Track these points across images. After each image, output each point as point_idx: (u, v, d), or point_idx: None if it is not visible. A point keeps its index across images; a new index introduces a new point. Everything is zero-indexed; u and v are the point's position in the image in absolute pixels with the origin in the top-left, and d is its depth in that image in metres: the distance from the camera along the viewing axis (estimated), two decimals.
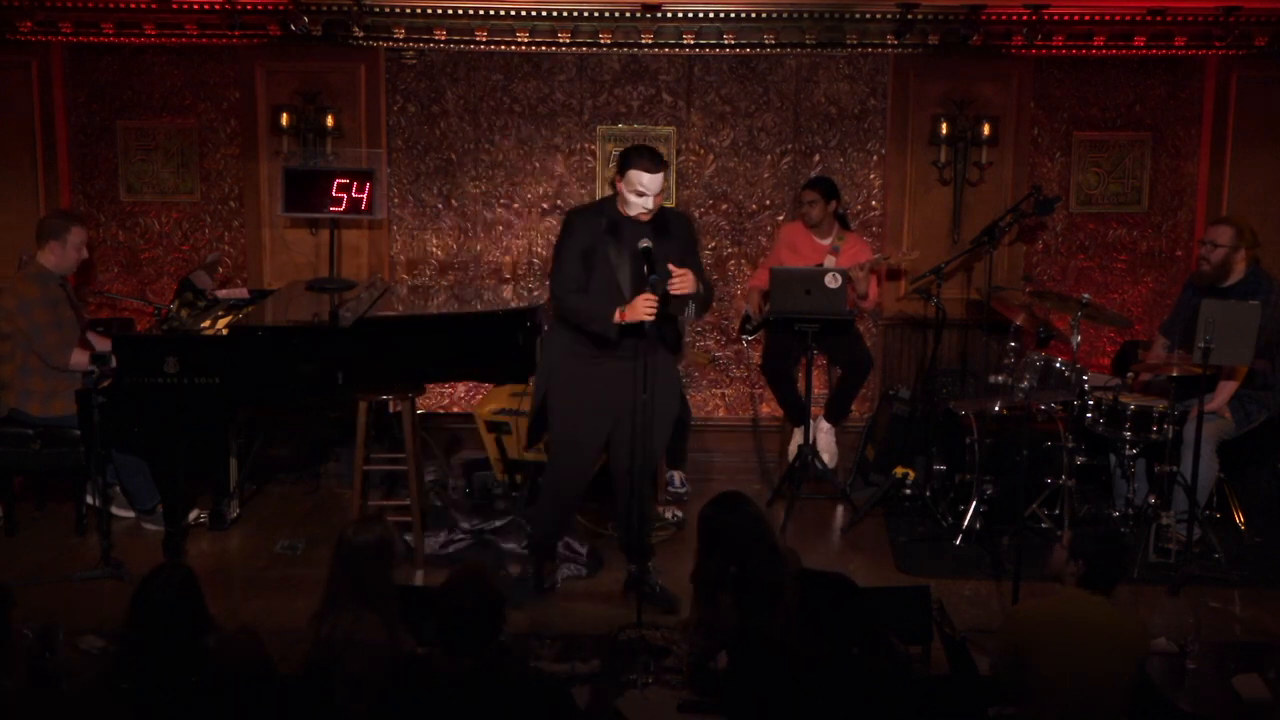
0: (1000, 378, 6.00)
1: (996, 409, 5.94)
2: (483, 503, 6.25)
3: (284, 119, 7.26)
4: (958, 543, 5.89)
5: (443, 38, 7.23)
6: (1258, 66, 7.22)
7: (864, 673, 3.55)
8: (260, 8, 6.99)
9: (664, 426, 5.17)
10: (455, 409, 7.57)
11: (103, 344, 5.73)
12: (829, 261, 6.58)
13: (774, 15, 7.10)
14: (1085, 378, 5.89)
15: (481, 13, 7.09)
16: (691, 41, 7.22)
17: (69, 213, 6.62)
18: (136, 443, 5.57)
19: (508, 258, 7.58)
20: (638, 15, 7.09)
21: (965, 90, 7.33)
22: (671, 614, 5.00)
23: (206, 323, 5.99)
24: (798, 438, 6.53)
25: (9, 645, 3.68)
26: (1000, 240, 6.50)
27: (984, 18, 6.93)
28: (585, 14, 7.09)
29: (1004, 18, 6.98)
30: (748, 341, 7.25)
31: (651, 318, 4.74)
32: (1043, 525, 5.86)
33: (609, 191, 7.30)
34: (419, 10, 7.08)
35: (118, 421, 5.41)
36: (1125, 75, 7.40)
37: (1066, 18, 7.01)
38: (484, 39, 7.22)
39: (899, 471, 6.38)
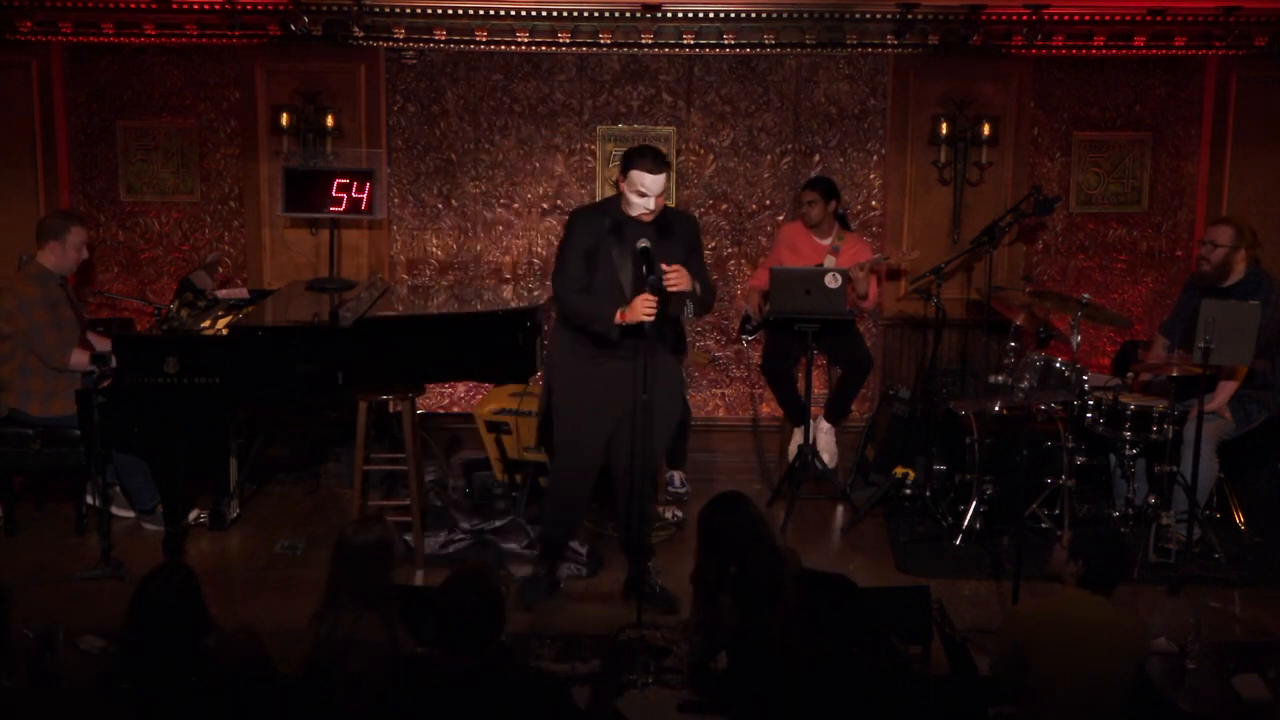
0: (1000, 378, 6.00)
1: (996, 409, 5.94)
2: (483, 503, 6.25)
3: (284, 119, 7.26)
4: (958, 543, 5.89)
5: (443, 38, 7.23)
6: (1258, 66, 7.22)
7: (864, 673, 3.54)
8: (260, 8, 6.99)
9: (665, 427, 5.17)
10: (455, 409, 7.57)
11: (103, 344, 5.73)
12: (829, 261, 6.58)
13: (774, 15, 7.10)
14: (1085, 378, 5.89)
15: (481, 13, 7.09)
16: (691, 41, 7.22)
17: (69, 213, 6.61)
18: (136, 443, 5.57)
19: (508, 258, 7.58)
20: (638, 15, 7.09)
21: (965, 90, 7.33)
22: (671, 614, 5.00)
23: (206, 323, 5.99)
24: (798, 438, 6.53)
25: (9, 645, 3.68)
26: (1000, 240, 6.50)
27: (984, 18, 6.94)
28: (585, 14, 7.09)
29: (1004, 18, 6.98)
30: (748, 341, 7.25)
31: (651, 318, 4.74)
32: (1043, 525, 5.86)
33: (609, 191, 7.36)
34: (419, 10, 7.09)
35: (118, 421, 5.41)
36: (1125, 75, 7.41)
37: (1066, 18, 7.01)
38: (484, 39, 7.22)
39: (899, 471, 6.38)
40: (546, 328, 6.36)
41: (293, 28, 7.00)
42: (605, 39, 7.22)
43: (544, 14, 7.09)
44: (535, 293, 7.46)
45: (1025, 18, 6.92)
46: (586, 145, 7.49)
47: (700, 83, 7.43)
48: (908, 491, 6.34)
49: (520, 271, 7.57)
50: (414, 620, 3.97)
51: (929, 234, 7.40)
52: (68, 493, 6.03)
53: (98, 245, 7.34)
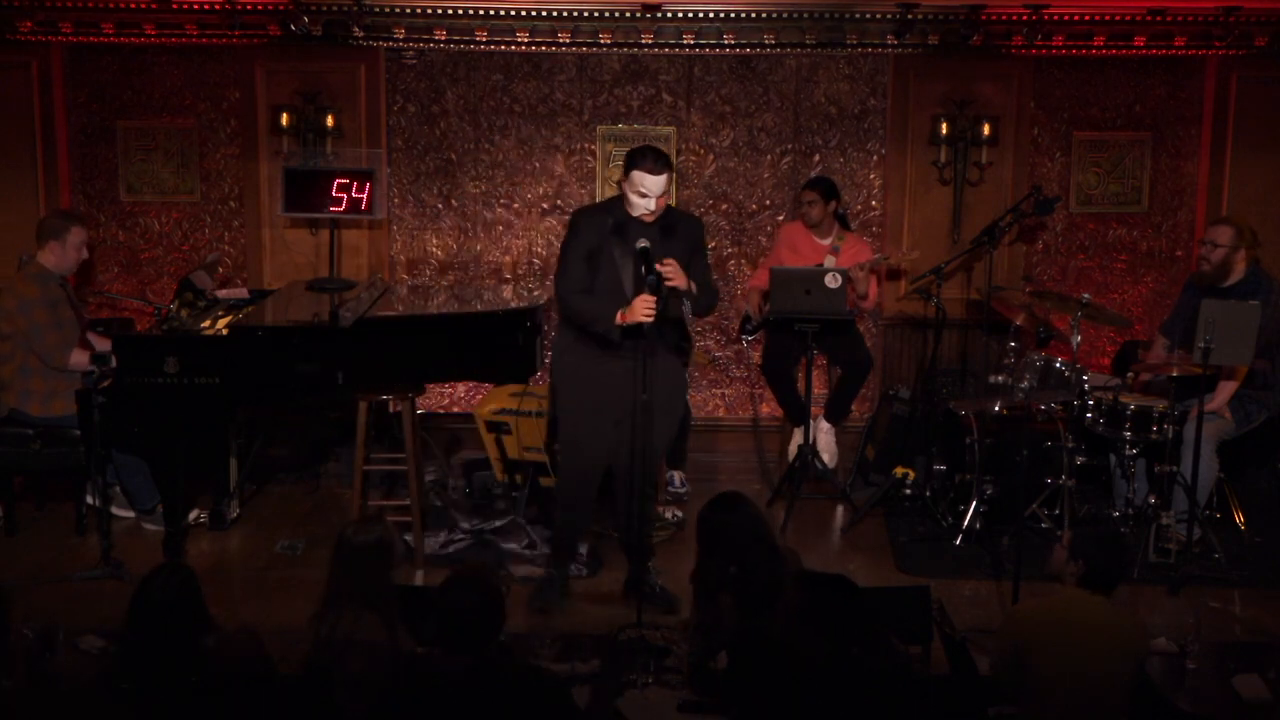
0: (1000, 378, 6.00)
1: (996, 409, 5.94)
2: (483, 503, 6.24)
3: (284, 119, 7.26)
4: (958, 543, 5.89)
5: (443, 38, 7.23)
6: (1258, 66, 7.22)
7: (864, 673, 3.54)
8: (260, 8, 7.00)
9: (667, 427, 5.17)
10: (455, 409, 7.57)
11: (103, 344, 5.73)
12: (829, 261, 6.58)
13: (774, 15, 7.10)
14: (1085, 378, 5.88)
15: (481, 13, 7.09)
16: (691, 41, 7.22)
17: (69, 213, 6.61)
18: (136, 443, 5.57)
19: (508, 258, 7.58)
20: (638, 15, 7.09)
21: (965, 90, 7.33)
22: (671, 614, 5.00)
23: (206, 323, 5.99)
24: (798, 438, 6.53)
25: (9, 645, 3.68)
26: (1000, 240, 6.50)
27: (984, 18, 6.94)
28: (585, 14, 7.09)
29: (1004, 18, 6.98)
30: (748, 341, 7.25)
31: (650, 318, 4.74)
32: (1043, 525, 5.86)
33: (609, 191, 7.36)
34: (419, 10, 7.09)
35: (118, 421, 5.41)
36: (1125, 75, 7.41)
37: (1066, 18, 7.01)
38: (484, 39, 7.22)
39: (899, 471, 6.38)
40: (546, 328, 6.37)
41: (293, 28, 7.00)
42: (605, 39, 7.22)
43: (544, 14, 7.09)
44: (535, 293, 7.46)
45: (1025, 18, 6.92)
46: (586, 145, 7.49)
47: (700, 83, 7.43)
48: (908, 491, 6.34)
49: (520, 271, 7.57)
50: (414, 620, 3.98)
51: (929, 234, 7.40)
52: (68, 493, 6.03)
53: (98, 245, 7.34)
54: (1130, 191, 7.54)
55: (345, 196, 6.76)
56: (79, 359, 5.73)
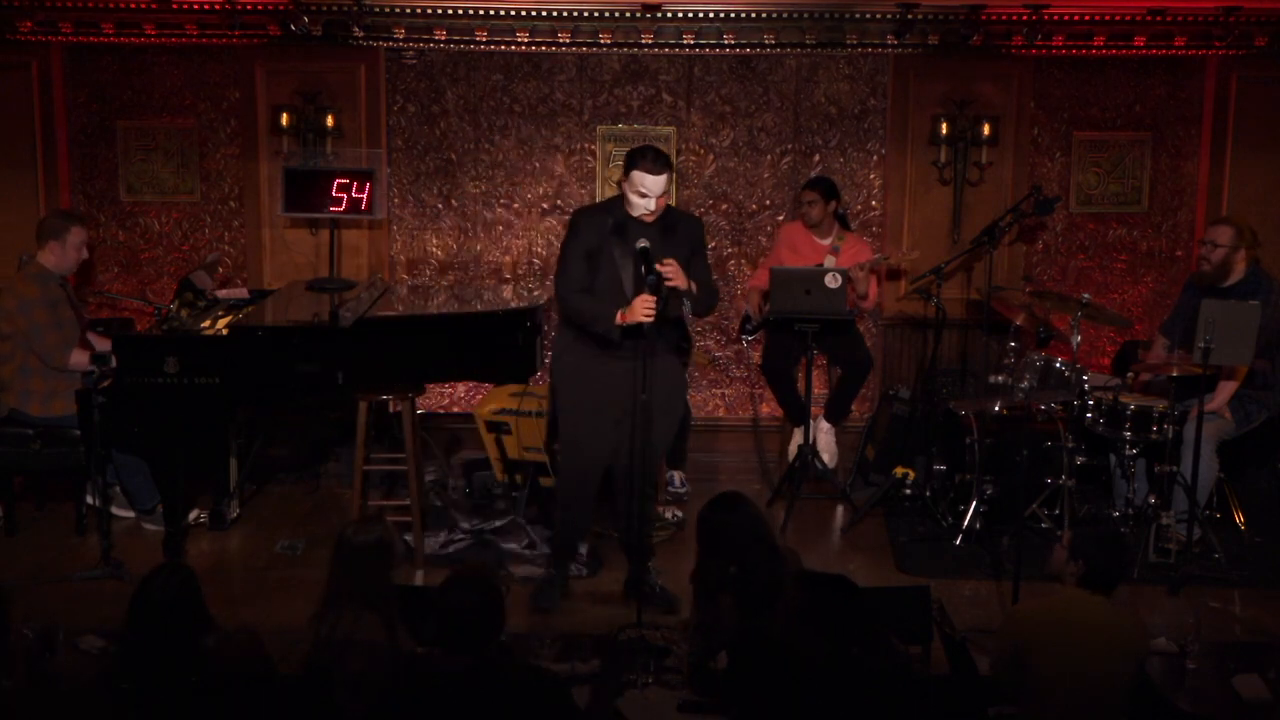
0: (1000, 378, 6.00)
1: (996, 409, 5.94)
2: (483, 503, 6.24)
3: (284, 119, 7.26)
4: (958, 543, 5.89)
5: (443, 38, 7.23)
6: (1258, 66, 7.22)
7: (864, 673, 3.54)
8: (260, 8, 7.00)
9: (667, 427, 5.17)
10: (455, 409, 7.57)
11: (103, 344, 5.73)
12: (829, 261, 6.58)
13: (774, 15, 7.10)
14: (1085, 378, 5.88)
15: (481, 13, 7.09)
16: (691, 41, 7.22)
17: (69, 213, 6.61)
18: (136, 443, 5.57)
19: (508, 258, 7.58)
20: (638, 15, 7.09)
21: (965, 90, 7.33)
22: (671, 614, 5.00)
23: (206, 323, 5.99)
24: (798, 438, 6.53)
25: (9, 645, 3.68)
26: (1000, 240, 6.50)
27: (984, 18, 6.94)
28: (585, 14, 7.09)
29: (1004, 18, 6.98)
30: (748, 341, 7.24)
31: (650, 318, 4.74)
32: (1043, 525, 5.86)
33: (609, 191, 7.36)
34: (419, 10, 7.09)
35: (118, 421, 5.41)
36: (1125, 75, 7.41)
37: (1066, 18, 7.01)
38: (484, 39, 7.22)
39: (899, 471, 6.38)
40: (546, 328, 6.37)
41: (293, 28, 7.01)
42: (605, 39, 7.22)
43: (544, 14, 7.09)
44: (535, 293, 7.46)
45: (1025, 18, 6.92)
46: (586, 145, 7.49)
47: (700, 83, 7.43)
48: (908, 491, 6.34)
49: (520, 271, 7.57)
50: (414, 620, 3.98)
51: (929, 234, 7.40)
52: (68, 493, 6.03)
53: (98, 245, 7.35)
54: (1130, 191, 7.54)
55: (345, 196, 6.76)
56: (79, 359, 5.73)
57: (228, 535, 5.96)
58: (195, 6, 7.01)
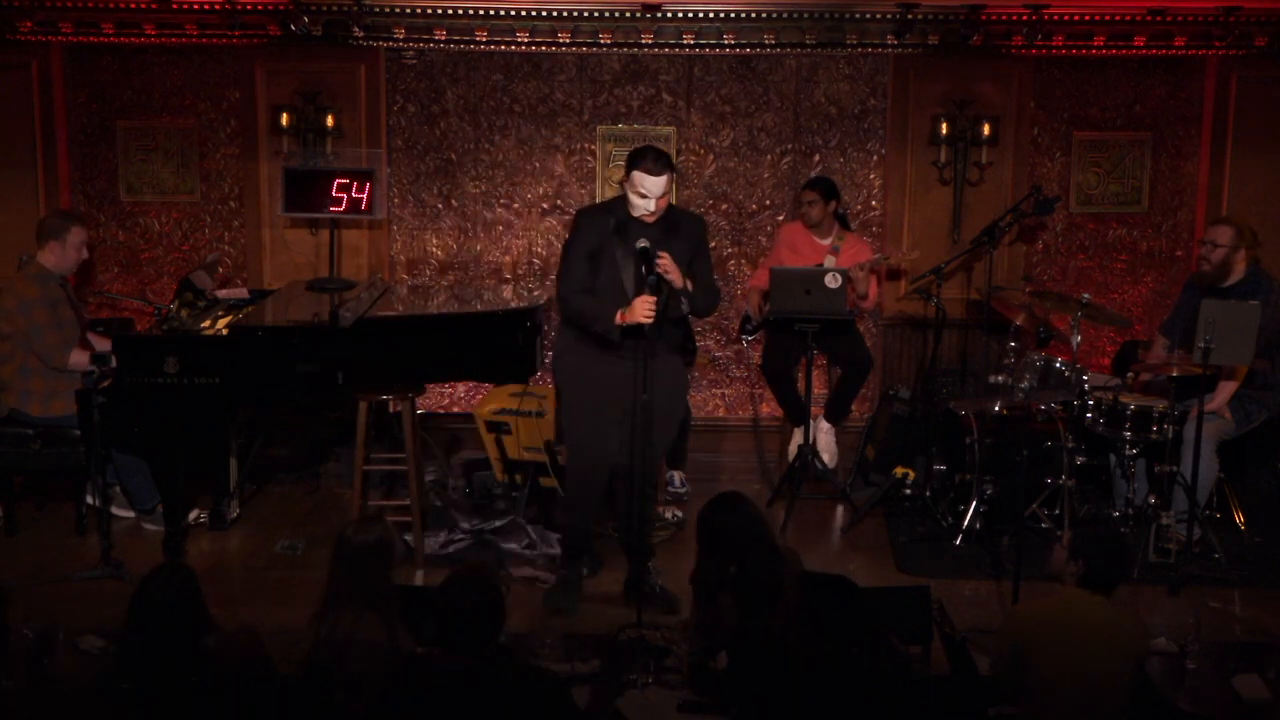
0: (1000, 378, 6.00)
1: (996, 409, 5.94)
2: (483, 503, 6.24)
3: (284, 119, 7.26)
4: (958, 543, 5.89)
5: (443, 38, 7.23)
6: (1258, 66, 7.22)
7: (864, 673, 3.54)
8: (260, 8, 7.00)
9: (667, 427, 5.17)
10: (455, 409, 7.57)
11: (103, 344, 5.73)
12: (829, 261, 6.58)
13: (774, 15, 7.10)
14: (1085, 378, 5.88)
15: (481, 13, 7.10)
16: (691, 41, 7.22)
17: (69, 213, 6.62)
18: (136, 443, 5.57)
19: (508, 258, 7.58)
20: (638, 15, 7.09)
21: (965, 90, 7.33)
22: (671, 614, 5.00)
23: (206, 323, 5.99)
24: (798, 438, 6.53)
25: (9, 645, 3.68)
26: (1000, 240, 6.50)
27: (984, 18, 6.94)
28: (585, 14, 7.09)
29: (1004, 18, 6.98)
30: (748, 341, 7.25)
31: (650, 319, 4.74)
32: (1043, 525, 5.86)
33: (609, 191, 7.36)
34: (419, 10, 7.09)
35: (118, 421, 5.40)
36: (1125, 75, 7.41)
37: (1066, 18, 7.01)
38: (484, 39, 7.22)
39: (899, 471, 6.38)
40: (546, 328, 6.37)
41: (293, 28, 7.01)
42: (605, 39, 7.22)
43: (544, 14, 7.09)
44: (535, 293, 7.46)
45: (1025, 18, 6.92)
46: (586, 145, 7.49)
47: (700, 83, 7.43)
48: (908, 491, 6.34)
49: (520, 271, 7.57)
50: (414, 620, 3.98)
51: (929, 234, 7.40)
52: (68, 493, 6.03)
53: (98, 245, 7.35)
54: (1130, 191, 7.54)
55: (345, 196, 6.76)
56: (79, 359, 5.73)
57: (228, 535, 5.96)
58: (195, 6, 7.01)
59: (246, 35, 7.19)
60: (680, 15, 7.11)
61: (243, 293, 6.59)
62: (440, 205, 7.54)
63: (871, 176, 7.48)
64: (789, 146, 7.47)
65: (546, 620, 5.07)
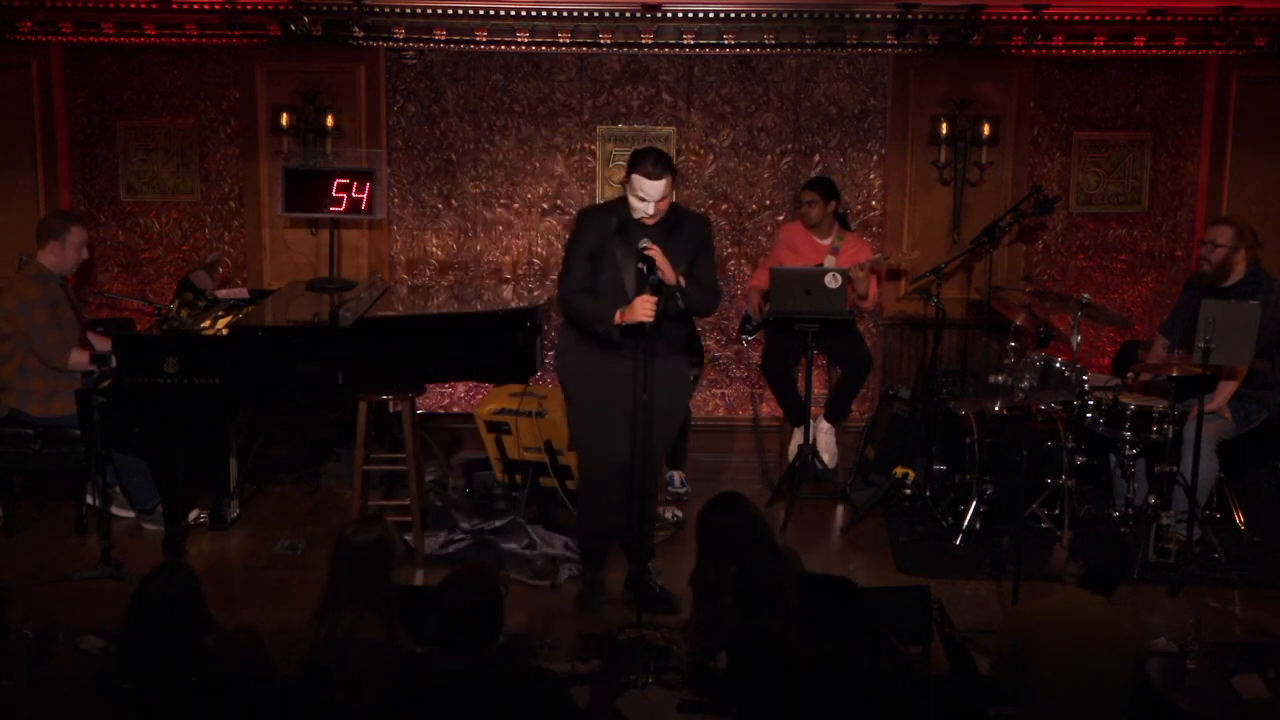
0: (1000, 378, 6.00)
1: (996, 409, 5.94)
2: (483, 503, 6.24)
3: (284, 119, 7.26)
4: (958, 543, 5.89)
5: (443, 38, 7.23)
6: (1258, 66, 7.22)
7: (864, 673, 3.54)
8: (260, 8, 7.00)
9: (668, 427, 5.16)
10: (455, 409, 7.57)
11: (103, 344, 5.73)
12: (829, 261, 6.58)
13: (774, 15, 7.10)
14: (1085, 378, 5.88)
15: (481, 13, 7.10)
16: (691, 41, 7.22)
17: (69, 213, 6.61)
18: (136, 443, 5.57)
19: (508, 258, 7.58)
20: (638, 15, 7.10)
21: (965, 90, 7.33)
22: (671, 614, 5.00)
23: (206, 323, 5.99)
24: (798, 438, 6.53)
25: (9, 645, 3.68)
26: (1000, 240, 6.50)
27: (984, 18, 6.94)
28: (585, 14, 7.09)
29: (1004, 18, 6.98)
30: (748, 341, 7.25)
31: (650, 318, 4.74)
32: (1043, 525, 5.86)
33: (609, 191, 7.37)
34: (419, 10, 7.09)
35: (118, 421, 5.41)
36: (1125, 75, 7.41)
37: (1066, 18, 7.01)
38: (484, 39, 7.22)
39: (899, 471, 6.38)
40: (547, 328, 6.37)
41: (293, 28, 7.01)
42: (605, 39, 7.22)
43: (544, 14, 7.09)
44: (535, 293, 7.45)
45: (1025, 18, 6.92)
46: (586, 145, 7.49)
47: (700, 83, 7.43)
48: (908, 491, 6.34)
49: (520, 271, 7.57)
50: (414, 620, 3.98)
51: (929, 234, 7.40)
52: (68, 493, 6.03)
53: (98, 245, 7.35)
54: (1130, 191, 7.54)
55: (345, 196, 6.76)
56: (79, 359, 5.73)
57: (228, 535, 5.96)
58: (195, 6, 7.02)
59: (246, 35, 7.19)
60: (680, 15, 7.11)
61: (243, 293, 6.59)
62: (440, 205, 7.54)
63: (871, 176, 7.48)
64: (789, 146, 7.47)
65: (546, 620, 5.06)
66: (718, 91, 7.43)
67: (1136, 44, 7.17)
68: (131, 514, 6.02)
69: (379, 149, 7.27)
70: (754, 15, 7.10)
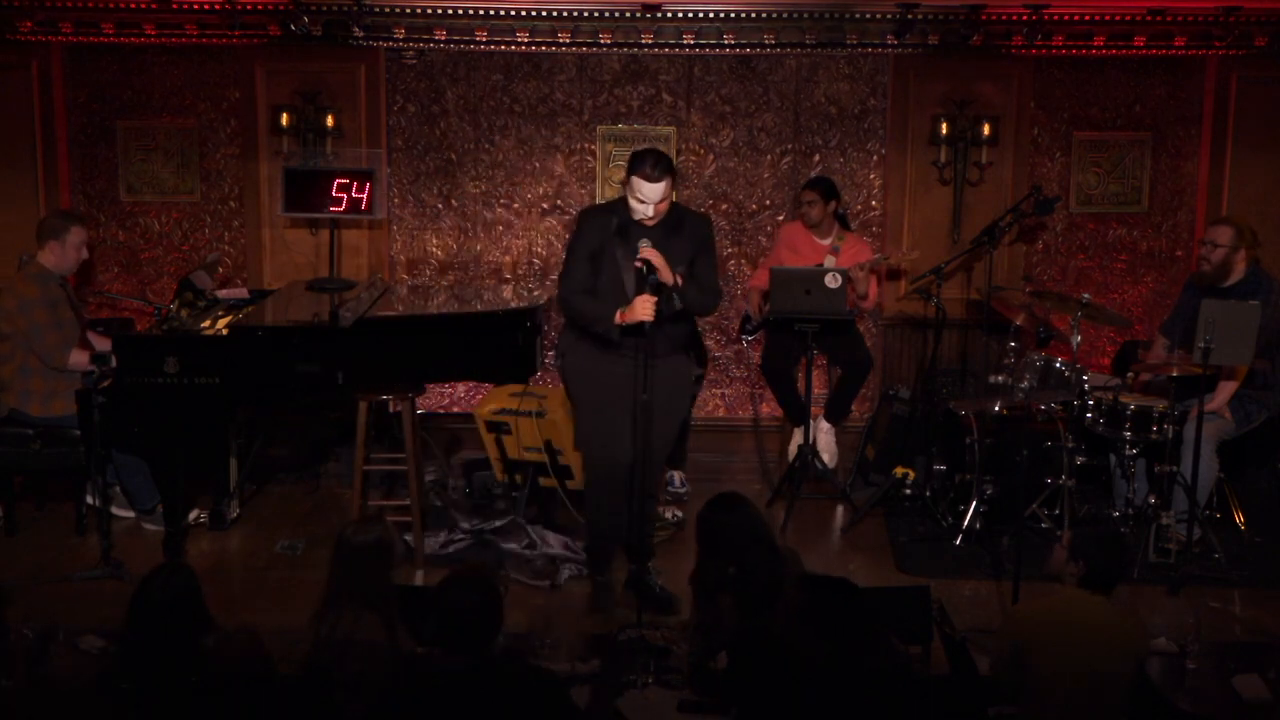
0: (1000, 378, 6.00)
1: (996, 409, 5.94)
2: (483, 503, 6.24)
3: (284, 119, 7.26)
4: (958, 543, 5.89)
5: (443, 38, 7.23)
6: (1258, 66, 7.22)
7: (864, 673, 3.54)
8: (260, 8, 7.00)
9: (668, 428, 5.16)
10: (455, 409, 7.57)
11: (103, 344, 5.73)
12: (829, 261, 6.58)
13: (774, 15, 7.10)
14: (1085, 378, 5.88)
15: (481, 13, 7.09)
16: (691, 41, 7.22)
17: (69, 213, 6.61)
18: (136, 443, 5.57)
19: (508, 258, 7.58)
20: (638, 15, 7.09)
21: (965, 90, 7.33)
22: (671, 614, 5.00)
23: (206, 323, 5.99)
24: (798, 438, 6.53)
25: (9, 645, 3.68)
26: (1000, 240, 6.50)
27: (984, 18, 6.94)
28: (585, 14, 7.09)
29: (1004, 18, 6.98)
30: (748, 341, 7.25)
31: (650, 318, 4.75)
32: (1043, 525, 5.86)
33: (609, 191, 7.37)
34: (419, 10, 7.09)
35: (118, 421, 5.41)
36: (1125, 75, 7.41)
37: (1066, 18, 7.01)
38: (484, 39, 7.22)
39: (899, 471, 6.38)
40: (546, 328, 6.37)
41: (293, 28, 7.01)
42: (605, 39, 7.22)
43: (544, 14, 7.09)
44: (535, 293, 7.45)
45: (1025, 18, 6.92)
46: (586, 145, 7.49)
47: (700, 83, 7.43)
48: (908, 491, 6.34)
49: (520, 271, 7.57)
50: (414, 620, 3.98)
51: (929, 234, 7.40)
52: (68, 493, 6.03)
53: (98, 245, 7.35)
54: (1130, 191, 7.54)
55: (345, 196, 6.76)
56: (79, 359, 5.73)
57: (228, 535, 5.96)
58: (195, 6, 7.02)
59: (246, 35, 7.19)
60: (680, 15, 7.11)
61: (243, 293, 6.59)
62: (440, 205, 7.54)
63: (871, 176, 7.48)
64: (789, 146, 7.47)
65: (546, 620, 5.06)
66: (718, 91, 7.43)
67: (1136, 44, 7.17)
68: (131, 514, 6.02)
69: (379, 149, 7.27)
70: (754, 15, 7.10)
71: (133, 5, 7.03)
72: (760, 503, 5.73)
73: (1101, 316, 6.18)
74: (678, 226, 4.95)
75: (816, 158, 7.47)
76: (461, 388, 7.59)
